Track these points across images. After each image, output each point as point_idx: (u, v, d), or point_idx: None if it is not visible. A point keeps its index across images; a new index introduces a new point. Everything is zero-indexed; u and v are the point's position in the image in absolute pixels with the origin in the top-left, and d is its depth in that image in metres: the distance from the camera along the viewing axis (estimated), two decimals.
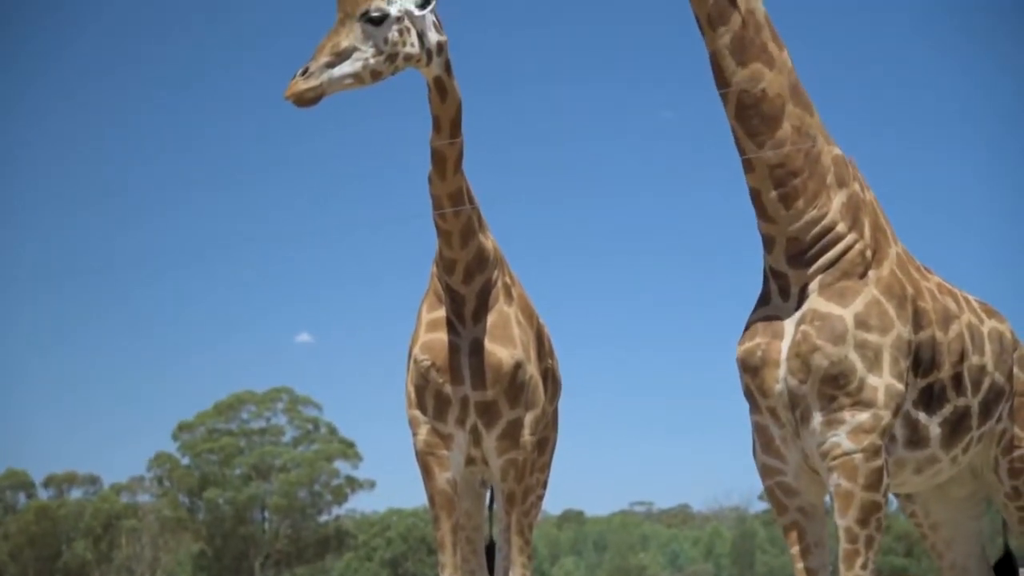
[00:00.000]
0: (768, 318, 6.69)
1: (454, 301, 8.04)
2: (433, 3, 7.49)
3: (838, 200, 6.65)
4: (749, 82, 6.46)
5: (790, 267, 6.64)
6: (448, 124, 7.67)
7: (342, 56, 7.22)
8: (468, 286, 8.01)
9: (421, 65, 7.52)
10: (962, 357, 7.02)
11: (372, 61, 7.29)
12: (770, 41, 6.52)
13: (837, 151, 6.76)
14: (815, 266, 6.61)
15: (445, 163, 7.71)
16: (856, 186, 6.78)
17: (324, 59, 7.17)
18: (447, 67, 7.65)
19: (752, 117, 6.49)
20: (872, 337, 6.47)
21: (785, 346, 6.56)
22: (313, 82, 7.11)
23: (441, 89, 7.64)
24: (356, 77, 7.25)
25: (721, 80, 6.50)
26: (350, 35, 7.26)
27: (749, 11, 6.47)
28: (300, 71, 7.10)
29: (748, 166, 6.58)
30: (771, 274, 6.74)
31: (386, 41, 7.34)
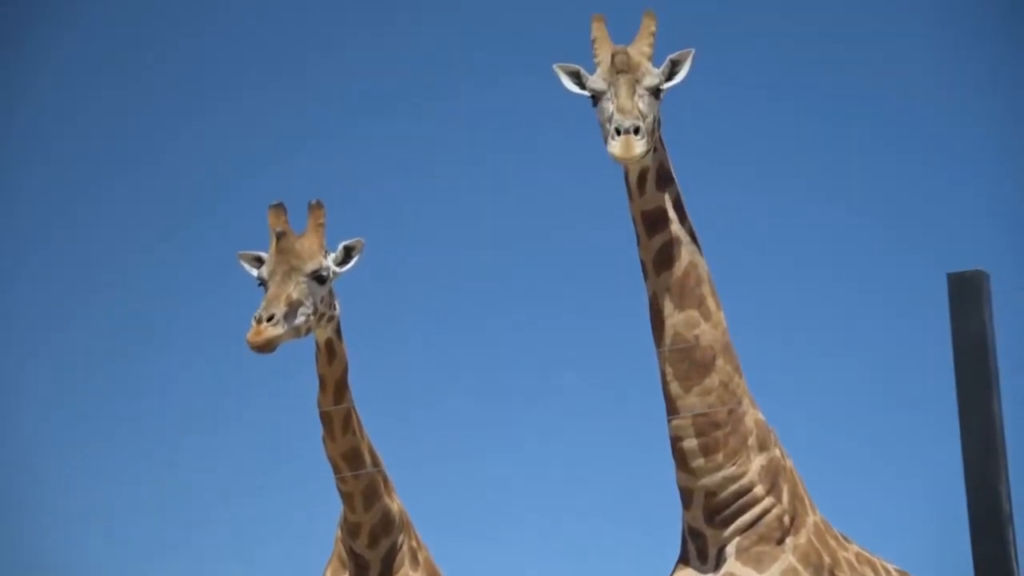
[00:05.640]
0: None
1: (358, 566, 7.85)
2: (355, 261, 7.53)
3: (758, 462, 6.68)
4: (684, 326, 6.61)
5: (708, 526, 6.61)
6: (333, 385, 7.60)
7: (293, 308, 7.19)
8: (373, 550, 7.81)
9: (320, 326, 7.46)
10: None
11: (312, 318, 7.31)
12: (709, 296, 6.71)
13: (760, 416, 6.82)
14: (732, 527, 6.58)
15: (332, 425, 7.61)
16: (777, 452, 6.83)
17: (284, 308, 7.12)
18: (339, 329, 7.62)
19: (683, 360, 6.60)
20: None
21: None
22: (280, 330, 7.07)
23: (331, 351, 7.58)
24: (296, 331, 7.24)
25: (657, 320, 6.65)
26: (298, 288, 7.25)
27: (692, 264, 6.68)
28: (265, 317, 7.01)
29: (672, 410, 6.62)
30: (689, 535, 6.70)
31: (322, 300, 7.38)
